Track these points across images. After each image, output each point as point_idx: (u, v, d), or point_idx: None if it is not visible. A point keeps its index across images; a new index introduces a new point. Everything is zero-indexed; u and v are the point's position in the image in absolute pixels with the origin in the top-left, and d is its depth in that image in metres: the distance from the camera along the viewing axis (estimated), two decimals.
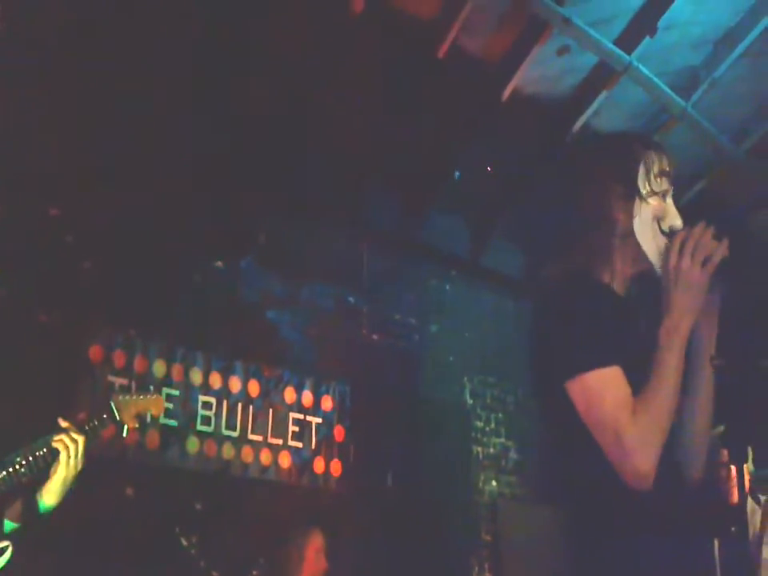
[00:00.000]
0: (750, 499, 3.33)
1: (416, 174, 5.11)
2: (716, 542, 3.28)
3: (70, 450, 2.37)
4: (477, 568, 5.34)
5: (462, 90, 4.62)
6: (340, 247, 5.01)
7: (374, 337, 5.12)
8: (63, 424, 2.43)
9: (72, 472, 2.39)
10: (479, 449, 5.55)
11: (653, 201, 1.67)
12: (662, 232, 1.65)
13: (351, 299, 5.04)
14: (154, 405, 2.68)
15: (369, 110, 4.57)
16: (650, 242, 1.66)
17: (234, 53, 4.03)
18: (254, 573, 4.18)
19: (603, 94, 4.69)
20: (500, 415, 5.72)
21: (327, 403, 4.74)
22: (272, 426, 4.44)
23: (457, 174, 5.00)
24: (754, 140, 5.15)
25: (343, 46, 4.20)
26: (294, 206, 4.69)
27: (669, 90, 4.69)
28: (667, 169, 1.68)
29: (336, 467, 4.71)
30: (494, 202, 5.43)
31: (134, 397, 2.69)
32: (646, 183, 1.67)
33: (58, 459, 2.38)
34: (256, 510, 4.21)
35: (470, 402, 5.58)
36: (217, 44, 3.97)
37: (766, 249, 5.75)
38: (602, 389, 1.54)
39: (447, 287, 5.62)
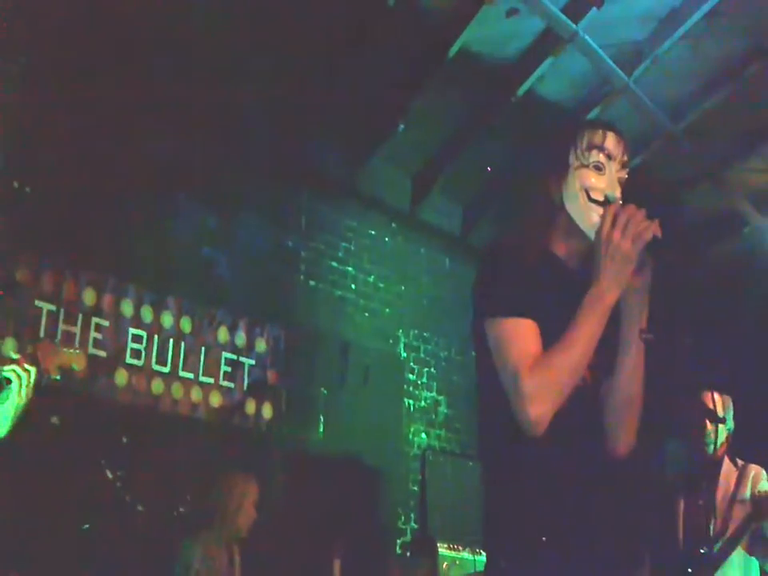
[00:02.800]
0: (726, 459, 3.48)
1: (361, 123, 5.10)
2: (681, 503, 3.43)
3: (21, 380, 2.41)
4: (403, 518, 5.45)
5: (410, 40, 4.62)
6: (282, 190, 4.99)
7: (311, 283, 5.13)
8: (14, 355, 2.47)
9: (22, 401, 2.43)
10: (410, 401, 5.64)
11: (581, 171, 1.74)
12: (594, 201, 1.71)
13: (290, 243, 5.03)
14: (77, 360, 2.71)
15: (316, 55, 4.54)
16: (578, 211, 1.73)
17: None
18: (180, 509, 4.21)
19: (549, 61, 4.74)
20: (432, 370, 5.81)
21: (261, 345, 4.74)
22: (204, 365, 4.42)
23: (401, 126, 5.01)
24: (691, 119, 5.28)
25: None
26: (238, 146, 4.64)
27: (612, 63, 4.77)
28: (600, 143, 1.74)
29: (267, 410, 4.72)
30: (436, 157, 5.47)
31: (59, 348, 2.71)
32: (574, 157, 1.75)
33: (9, 388, 2.41)
34: (184, 447, 4.20)
35: (404, 354, 5.65)
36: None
37: (695, 226, 5.93)
38: (511, 335, 1.62)
39: (386, 239, 5.64)
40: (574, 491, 1.64)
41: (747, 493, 3.41)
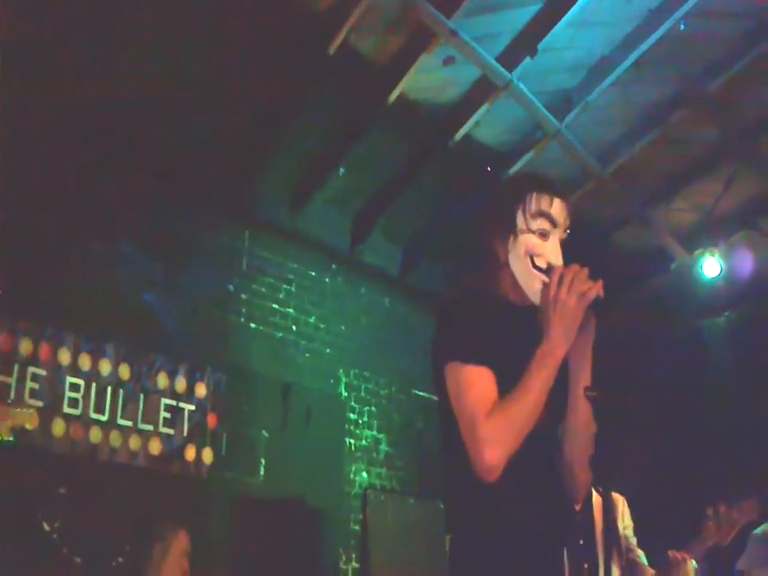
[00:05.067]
0: (593, 491, 3.45)
1: (302, 166, 5.16)
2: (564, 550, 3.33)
3: None
4: (344, 557, 5.44)
5: (350, 87, 4.72)
6: (222, 234, 5.00)
7: (252, 325, 5.13)
8: None
9: None
10: (352, 440, 5.67)
11: (527, 237, 1.80)
12: (537, 268, 1.79)
13: (230, 287, 5.03)
14: (29, 419, 2.64)
15: (258, 99, 4.59)
16: (522, 274, 1.81)
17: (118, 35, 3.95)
18: (119, 560, 4.12)
19: (484, 108, 4.89)
20: (373, 408, 5.85)
21: (201, 390, 4.71)
22: (143, 412, 4.36)
23: (341, 170, 5.09)
24: (619, 163, 5.50)
25: (235, 34, 4.20)
26: (178, 190, 4.64)
27: (544, 110, 4.96)
28: (548, 210, 1.81)
29: (208, 455, 4.68)
30: (376, 199, 5.56)
31: (11, 408, 2.64)
32: (522, 220, 1.81)
33: None
34: (123, 496, 4.13)
35: (345, 394, 5.68)
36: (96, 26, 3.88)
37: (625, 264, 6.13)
38: (469, 383, 1.69)
39: (326, 280, 5.69)
40: (535, 532, 1.71)
41: (622, 526, 3.36)
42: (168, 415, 4.50)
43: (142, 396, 4.38)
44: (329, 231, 5.57)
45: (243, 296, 5.10)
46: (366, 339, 5.87)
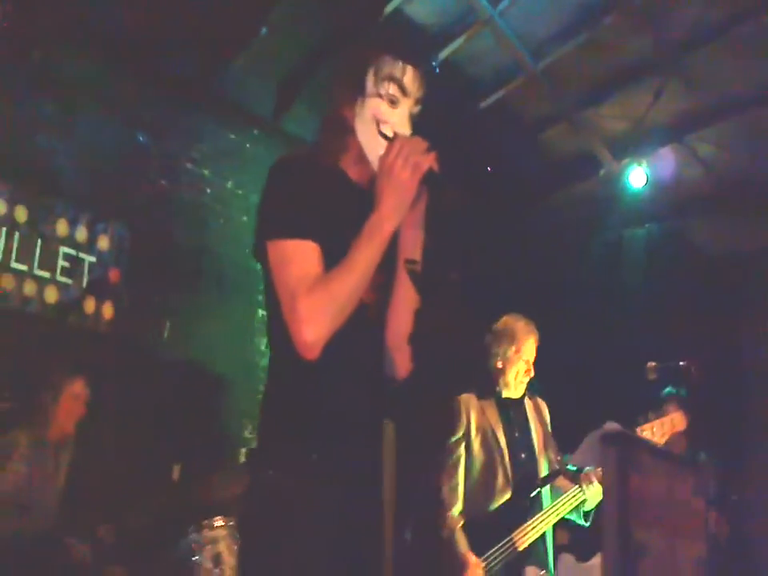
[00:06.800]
0: (526, 396, 3.47)
1: (224, 25, 4.90)
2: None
3: None
4: (250, 427, 5.50)
5: None
6: (135, 84, 4.74)
7: (163, 182, 4.95)
8: None
9: None
10: (264, 312, 5.62)
11: (375, 102, 1.72)
12: (383, 135, 1.71)
13: (141, 138, 4.82)
14: None
15: None
16: (367, 140, 1.73)
17: None
18: (5, 405, 4.07)
19: None
20: None
21: (104, 243, 4.56)
22: (39, 257, 4.22)
23: (263, 29, 4.85)
24: (550, 61, 5.36)
25: None
26: (97, 34, 4.37)
27: None
28: (399, 76, 1.72)
29: (108, 310, 4.58)
30: (300, 67, 5.34)
31: None
32: (372, 84, 1.72)
33: None
34: (14, 341, 4.05)
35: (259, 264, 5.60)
36: None
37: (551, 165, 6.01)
38: (291, 257, 1.62)
39: (247, 145, 5.49)
40: (351, 413, 1.69)
41: (549, 427, 3.44)
42: (67, 264, 4.37)
43: (39, 241, 4.24)
44: (252, 95, 5.33)
45: (154, 150, 4.90)
46: None
